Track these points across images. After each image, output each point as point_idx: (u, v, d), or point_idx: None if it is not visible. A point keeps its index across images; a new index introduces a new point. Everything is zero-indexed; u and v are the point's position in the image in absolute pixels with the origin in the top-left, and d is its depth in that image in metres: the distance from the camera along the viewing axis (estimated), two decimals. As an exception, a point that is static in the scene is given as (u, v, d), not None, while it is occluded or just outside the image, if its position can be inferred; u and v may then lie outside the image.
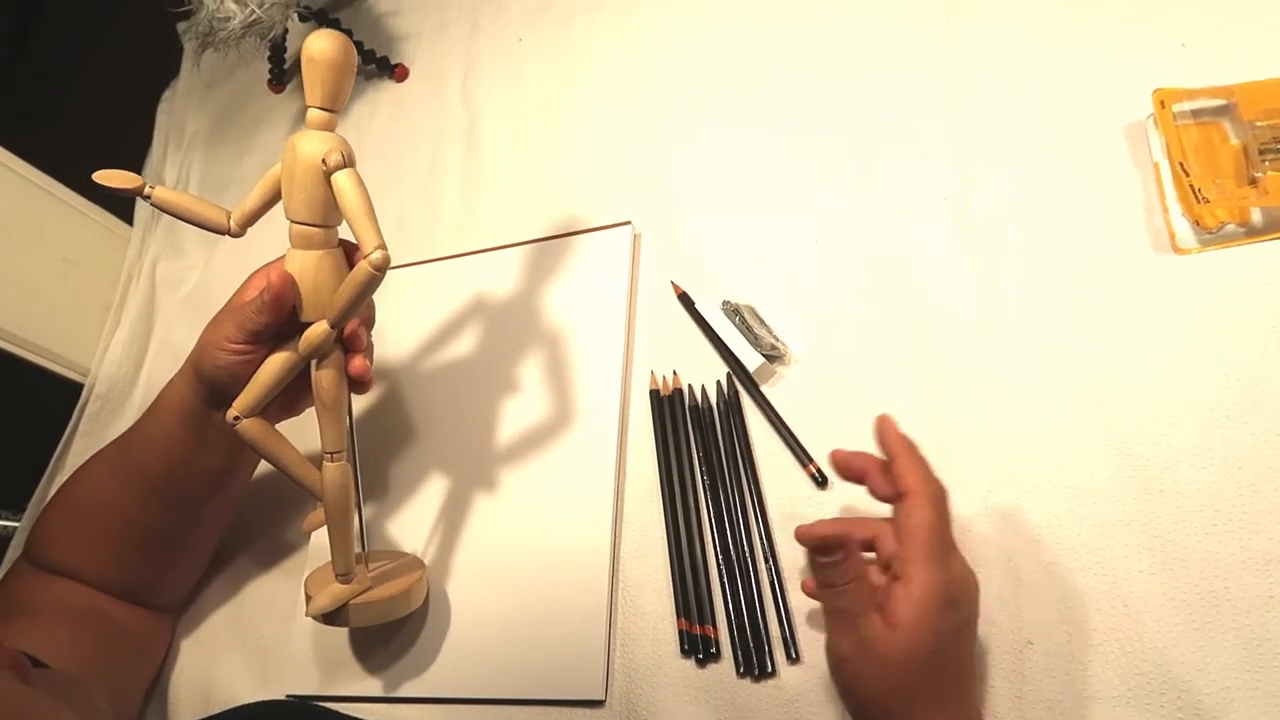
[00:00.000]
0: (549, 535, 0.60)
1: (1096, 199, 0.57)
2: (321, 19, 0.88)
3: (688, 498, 0.58)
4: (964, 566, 0.45)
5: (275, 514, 0.70)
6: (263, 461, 0.64)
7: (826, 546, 0.43)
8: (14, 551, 0.78)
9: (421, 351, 0.71)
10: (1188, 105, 0.55)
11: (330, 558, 0.54)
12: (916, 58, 0.66)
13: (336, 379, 0.52)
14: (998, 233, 0.59)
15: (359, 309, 0.49)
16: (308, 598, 0.55)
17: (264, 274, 0.55)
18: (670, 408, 0.61)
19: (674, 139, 0.72)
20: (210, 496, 0.62)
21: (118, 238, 0.91)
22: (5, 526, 0.84)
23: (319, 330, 0.50)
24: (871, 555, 0.49)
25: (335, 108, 0.49)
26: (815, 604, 0.53)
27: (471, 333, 0.70)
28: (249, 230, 0.54)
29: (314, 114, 0.49)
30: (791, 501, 0.56)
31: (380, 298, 0.52)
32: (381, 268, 0.45)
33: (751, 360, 0.59)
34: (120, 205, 0.91)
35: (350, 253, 0.53)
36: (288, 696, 0.63)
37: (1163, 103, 0.55)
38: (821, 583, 0.44)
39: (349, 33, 0.81)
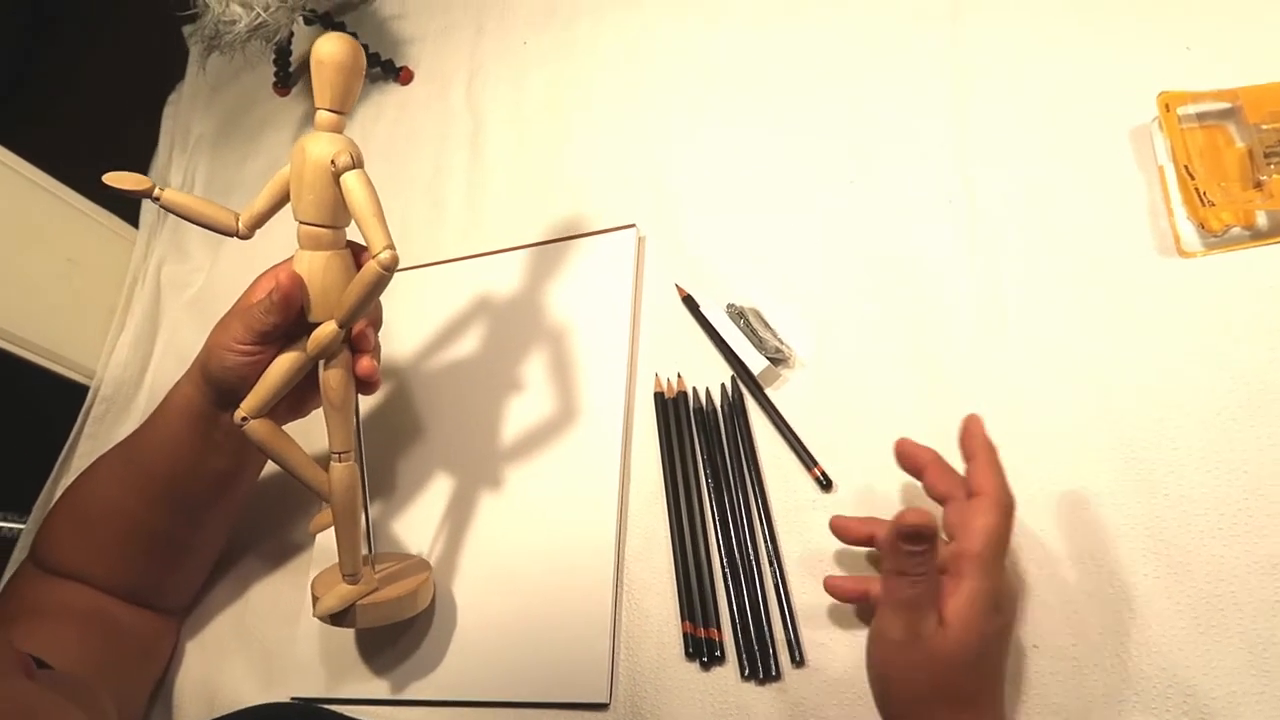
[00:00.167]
0: (553, 537, 0.60)
1: (1101, 202, 0.57)
2: (327, 22, 0.88)
3: (692, 500, 0.58)
4: (1009, 578, 0.46)
5: (280, 516, 0.70)
6: (268, 463, 0.65)
7: (921, 535, 0.42)
8: (19, 554, 0.78)
9: (427, 354, 0.71)
10: (1192, 108, 0.55)
11: (337, 559, 0.55)
12: (921, 59, 0.66)
13: (344, 379, 0.52)
14: (1002, 235, 0.59)
15: (367, 309, 0.49)
16: (314, 599, 0.55)
17: (272, 275, 0.55)
18: (675, 410, 0.61)
19: (678, 141, 0.72)
20: (217, 498, 0.62)
21: (123, 240, 0.91)
22: (11, 529, 0.84)
23: (327, 330, 0.50)
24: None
25: (344, 110, 0.50)
26: (819, 607, 0.53)
27: (477, 335, 0.70)
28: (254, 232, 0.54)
29: (323, 116, 0.49)
30: (796, 504, 0.56)
31: (385, 300, 0.52)
32: (390, 268, 0.45)
33: (756, 363, 0.59)
34: (125, 207, 0.91)
35: (358, 254, 0.53)
36: (293, 699, 0.63)
37: (1168, 106, 0.55)
38: (896, 570, 0.43)
39: (354, 36, 0.81)
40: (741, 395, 0.60)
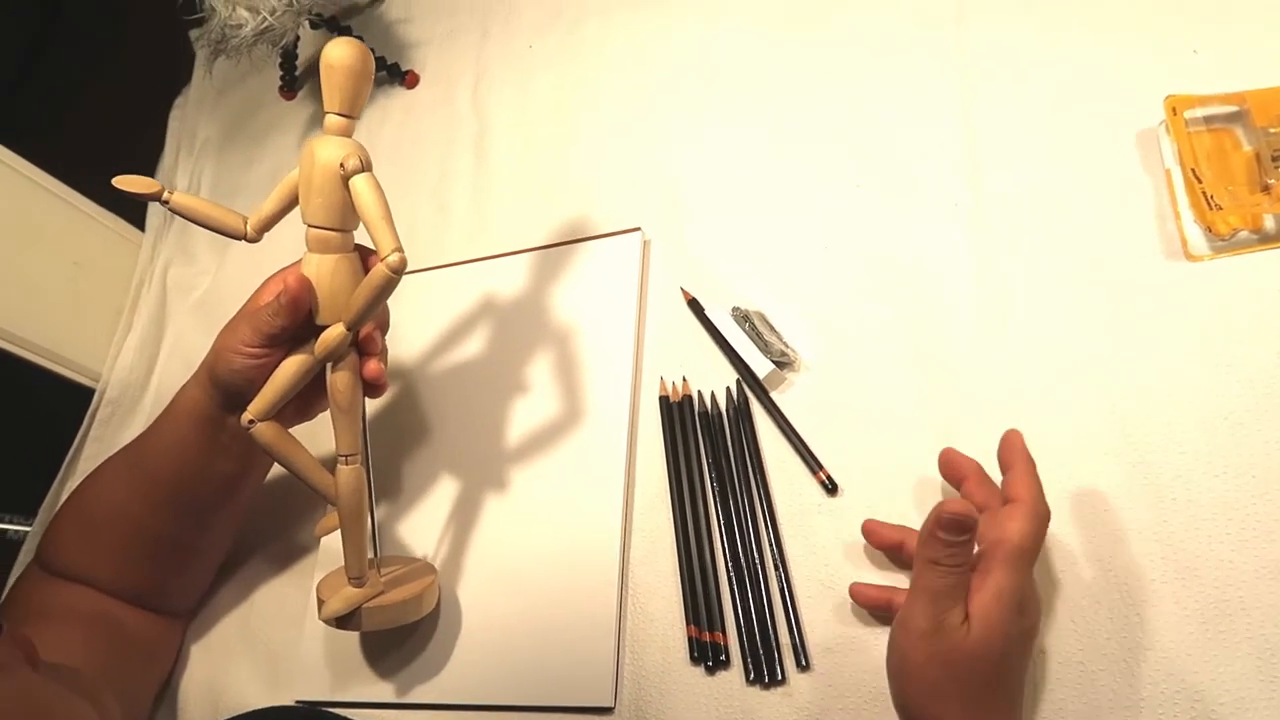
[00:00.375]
0: (558, 541, 0.60)
1: (1108, 206, 0.57)
2: (333, 26, 0.88)
3: (697, 504, 0.58)
4: (1034, 585, 0.46)
5: (285, 518, 0.70)
6: (274, 466, 0.65)
7: (964, 525, 0.43)
8: (25, 556, 0.78)
9: (433, 357, 0.71)
10: (1200, 111, 0.55)
11: (342, 562, 0.55)
12: (926, 62, 0.66)
13: (352, 382, 0.52)
14: (1008, 239, 0.59)
15: (375, 312, 0.49)
16: (320, 602, 0.55)
17: (280, 278, 0.55)
18: (680, 414, 0.61)
19: (683, 145, 0.72)
20: (223, 501, 0.62)
21: (129, 243, 0.91)
22: (17, 531, 0.84)
23: (335, 333, 0.50)
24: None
25: (353, 114, 0.50)
26: (825, 611, 0.53)
27: (482, 338, 0.70)
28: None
29: (332, 120, 0.49)
30: (801, 508, 0.56)
31: (392, 303, 0.52)
32: (399, 270, 0.46)
33: (761, 367, 0.59)
34: (132, 210, 0.92)
35: (366, 257, 0.53)
36: (297, 702, 0.63)
37: (1174, 109, 0.55)
38: (930, 559, 0.44)
39: (360, 40, 0.81)
40: (747, 399, 0.60)
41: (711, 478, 0.59)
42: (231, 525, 0.66)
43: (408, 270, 0.46)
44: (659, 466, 0.61)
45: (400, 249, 0.46)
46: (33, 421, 0.91)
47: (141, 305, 0.89)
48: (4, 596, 0.65)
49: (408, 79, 0.88)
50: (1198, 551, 0.48)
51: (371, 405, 0.69)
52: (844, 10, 0.71)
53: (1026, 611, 0.44)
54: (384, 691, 0.60)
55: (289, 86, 0.94)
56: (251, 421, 0.52)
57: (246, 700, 0.64)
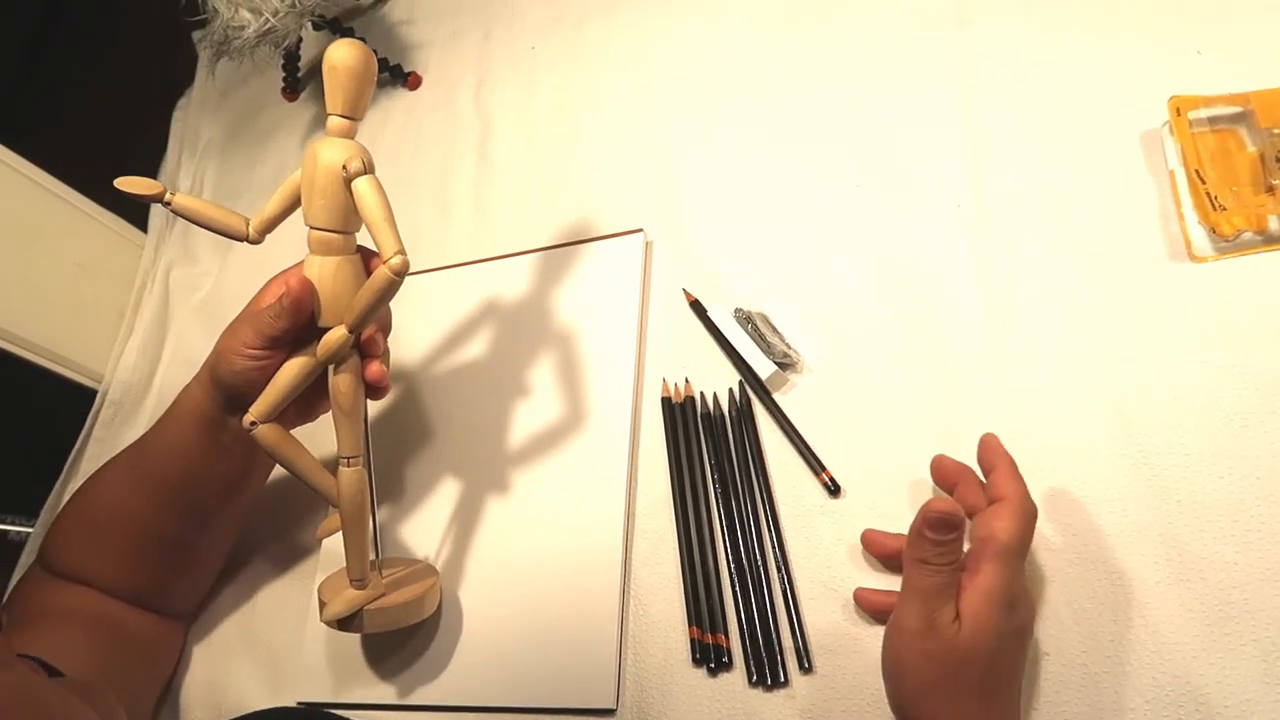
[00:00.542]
0: (560, 542, 0.60)
1: (1112, 207, 0.57)
2: (335, 28, 0.88)
3: (699, 505, 0.58)
4: (1025, 583, 0.46)
5: (286, 520, 0.70)
6: (275, 467, 0.65)
7: (950, 523, 0.43)
8: (28, 557, 0.78)
9: (435, 358, 0.71)
10: (1204, 112, 0.55)
11: (344, 564, 0.54)
12: (929, 65, 0.66)
13: (354, 384, 0.52)
14: (1012, 241, 0.59)
15: (378, 314, 0.49)
16: (322, 604, 0.55)
17: (282, 279, 0.55)
18: (682, 415, 0.61)
19: (686, 146, 0.72)
20: (225, 503, 0.62)
21: (132, 244, 0.91)
22: (19, 532, 0.84)
23: (337, 335, 0.50)
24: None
25: (356, 115, 0.50)
26: (827, 613, 0.53)
27: (484, 340, 0.70)
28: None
29: (334, 121, 0.49)
30: (804, 510, 0.56)
31: (394, 305, 0.52)
32: (401, 273, 0.46)
33: (764, 368, 0.59)
34: (134, 212, 0.92)
35: (368, 259, 0.53)
36: (299, 703, 0.63)
37: (1178, 110, 0.55)
38: (919, 558, 0.44)
39: (363, 41, 0.81)
40: (749, 400, 0.60)
41: (714, 479, 0.59)
42: (233, 526, 0.66)
43: (410, 272, 0.46)
44: (661, 468, 0.61)
45: (403, 251, 0.46)
46: (35, 422, 0.91)
47: (144, 306, 0.89)
48: (6, 597, 0.65)
49: (410, 80, 0.88)
50: (1202, 553, 0.48)
51: (373, 407, 0.69)
52: (846, 11, 0.71)
53: (1018, 609, 0.44)
54: (386, 693, 0.60)
55: (291, 88, 0.94)
56: (253, 423, 0.52)
57: (248, 702, 0.64)
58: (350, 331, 0.50)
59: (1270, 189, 0.53)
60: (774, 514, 0.56)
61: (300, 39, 0.88)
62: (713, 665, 0.54)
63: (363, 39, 0.84)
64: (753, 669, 0.53)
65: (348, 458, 0.53)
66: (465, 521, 0.64)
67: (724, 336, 0.61)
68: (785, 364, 0.60)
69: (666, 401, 0.62)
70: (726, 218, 0.68)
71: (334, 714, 0.59)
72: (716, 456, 0.59)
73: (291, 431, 0.55)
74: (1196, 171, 0.54)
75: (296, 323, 0.52)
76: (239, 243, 0.53)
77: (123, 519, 0.61)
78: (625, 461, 0.61)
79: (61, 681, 0.50)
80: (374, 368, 0.53)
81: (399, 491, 0.67)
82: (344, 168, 0.48)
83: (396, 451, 0.68)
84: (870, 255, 0.62)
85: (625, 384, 0.63)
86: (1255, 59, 0.57)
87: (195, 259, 0.90)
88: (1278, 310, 0.51)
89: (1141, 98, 0.58)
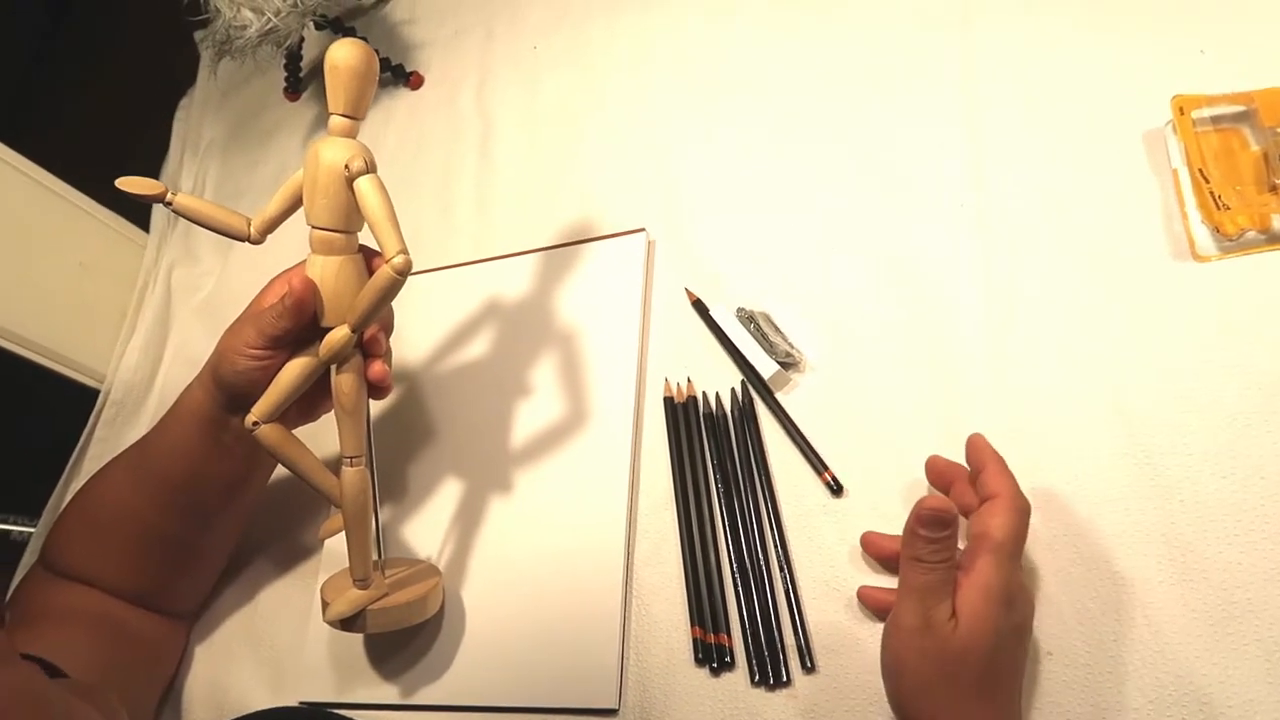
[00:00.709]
0: (563, 542, 0.60)
1: (1115, 206, 0.57)
2: (337, 27, 0.88)
3: (702, 505, 0.58)
4: (1023, 580, 0.46)
5: (288, 520, 0.70)
6: (278, 467, 0.65)
7: (943, 519, 0.43)
8: (30, 557, 0.78)
9: (437, 358, 0.71)
10: (1207, 111, 0.55)
11: (346, 563, 0.54)
12: (932, 64, 0.66)
13: (356, 384, 0.52)
14: (1015, 240, 0.58)
15: (380, 313, 0.49)
16: (324, 604, 0.55)
17: (284, 279, 0.55)
18: (684, 415, 0.61)
19: (689, 146, 0.72)
20: (227, 502, 0.62)
21: (134, 244, 0.91)
22: (21, 532, 0.84)
23: (340, 335, 0.50)
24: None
25: (357, 115, 0.50)
26: (830, 613, 0.53)
27: (486, 339, 0.70)
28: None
29: (336, 121, 0.49)
30: (806, 509, 0.56)
31: (396, 304, 0.52)
32: (404, 272, 0.45)
33: (766, 367, 0.59)
34: (137, 212, 0.92)
35: (370, 258, 0.53)
36: (301, 703, 0.63)
37: (1181, 109, 0.55)
38: (913, 556, 0.44)
39: (365, 41, 0.81)
40: (752, 400, 0.60)
41: (716, 479, 0.59)
42: (235, 526, 0.66)
43: (412, 271, 0.46)
44: (663, 468, 0.60)
45: (405, 250, 0.46)
46: (37, 422, 0.91)
47: (146, 306, 0.89)
48: (9, 597, 0.65)
49: (412, 80, 0.88)
50: (1205, 553, 0.48)
51: (376, 407, 0.69)
52: (850, 11, 0.71)
53: (1016, 607, 0.44)
54: (388, 693, 0.60)
55: (294, 88, 0.94)
56: (256, 423, 0.52)
57: (251, 701, 0.64)
58: (353, 331, 0.50)
59: (1274, 188, 0.53)
60: (776, 514, 0.56)
61: (302, 39, 0.88)
62: (715, 665, 0.54)
63: (364, 38, 0.83)
64: (755, 669, 0.53)
65: (350, 457, 0.52)
66: (467, 521, 0.64)
67: (726, 336, 0.61)
68: (788, 363, 0.60)
69: (669, 401, 0.62)
70: (729, 217, 0.68)
71: (336, 714, 0.59)
72: (719, 456, 0.59)
73: (293, 431, 0.55)
74: (1200, 171, 0.54)
75: (299, 323, 0.52)
76: (240, 243, 0.53)
77: (125, 519, 0.62)
78: (627, 461, 0.61)
79: (64, 682, 0.50)
80: (376, 367, 0.53)
81: (401, 491, 0.67)
82: (346, 167, 0.48)
83: (399, 451, 0.68)
84: (873, 255, 0.62)
85: (627, 383, 0.63)
86: (1259, 58, 0.56)
87: (197, 259, 0.91)
88: (1281, 309, 0.51)
89: (1144, 97, 0.58)
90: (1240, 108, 0.55)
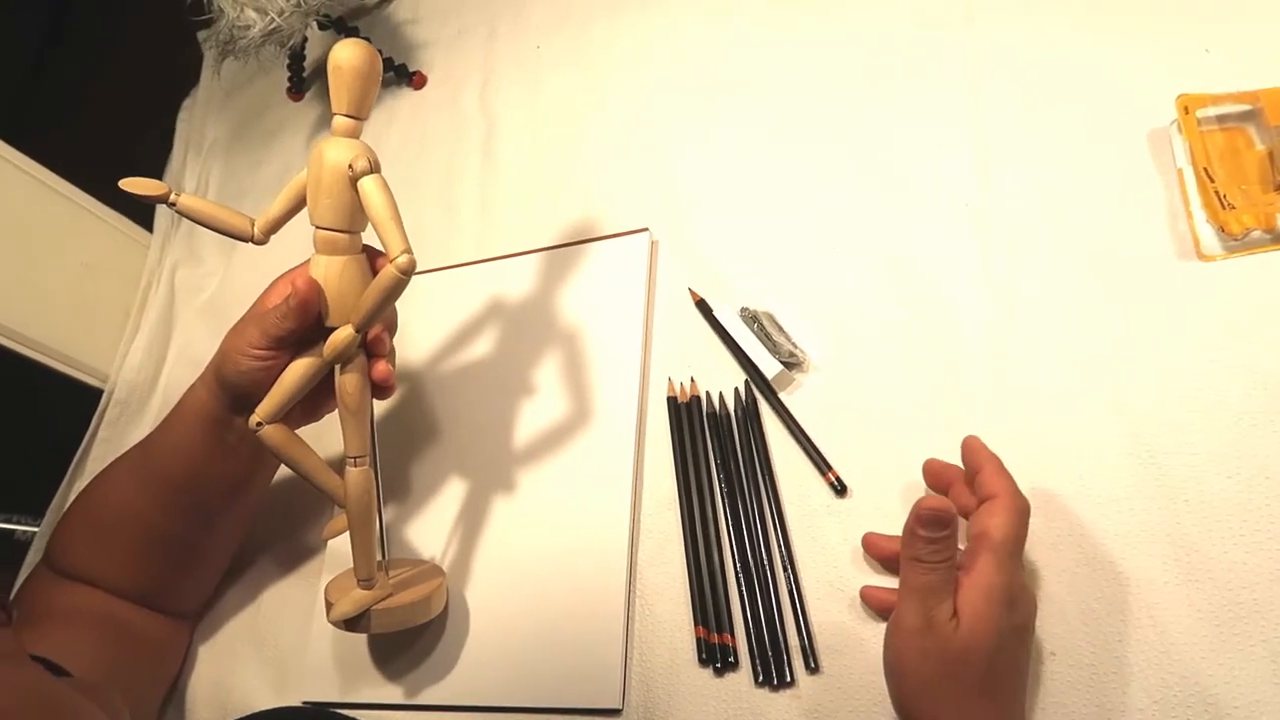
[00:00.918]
0: (566, 542, 0.60)
1: (1119, 205, 0.57)
2: (340, 27, 0.88)
3: (705, 505, 0.58)
4: (1024, 580, 0.46)
5: (292, 520, 0.70)
6: (281, 467, 0.65)
7: (942, 519, 0.43)
8: (34, 556, 0.78)
9: (440, 358, 0.71)
10: (1212, 110, 0.55)
11: (350, 564, 0.54)
12: (937, 65, 0.66)
13: (360, 384, 0.52)
14: (1019, 239, 0.58)
15: (384, 313, 0.49)
16: (328, 604, 0.55)
17: (288, 279, 0.55)
18: (688, 415, 0.61)
19: (691, 145, 0.72)
20: (230, 503, 0.62)
21: (137, 244, 0.91)
22: (25, 532, 0.84)
23: (344, 335, 0.50)
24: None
25: (361, 115, 0.50)
26: (834, 613, 0.53)
27: (489, 339, 0.70)
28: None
29: (340, 121, 0.49)
30: (810, 509, 0.56)
31: (400, 304, 0.52)
32: (408, 272, 0.45)
33: (770, 367, 0.59)
34: (140, 212, 0.92)
35: (373, 258, 0.53)
36: (305, 703, 0.63)
37: (1186, 108, 0.55)
38: (913, 557, 0.44)
39: (368, 41, 0.82)
40: (755, 399, 0.60)
41: (720, 479, 0.59)
42: (239, 526, 0.66)
43: (415, 272, 0.46)
44: (667, 467, 0.60)
45: (409, 250, 0.46)
46: (41, 422, 0.91)
47: (149, 306, 0.89)
48: (12, 597, 0.65)
49: (415, 80, 0.88)
50: (1210, 553, 0.48)
51: (379, 407, 0.69)
52: (853, 9, 0.71)
53: (1017, 606, 0.44)
54: (392, 693, 0.60)
55: (297, 88, 0.94)
56: (259, 424, 0.52)
57: (254, 701, 0.64)
58: (356, 331, 0.50)
59: (1279, 187, 0.53)
60: (780, 514, 0.56)
61: (305, 38, 0.88)
62: (719, 665, 0.54)
63: (367, 38, 0.83)
64: (759, 669, 0.53)
65: (354, 458, 0.52)
66: (471, 521, 0.64)
67: (730, 336, 0.61)
68: (791, 363, 0.60)
69: (672, 401, 0.62)
70: (732, 217, 0.68)
71: (340, 714, 0.59)
72: (722, 456, 0.59)
73: (297, 431, 0.55)
74: (1205, 170, 0.54)
75: (303, 323, 0.52)
76: (244, 243, 0.53)
77: (128, 519, 0.62)
78: (631, 461, 0.61)
79: (68, 681, 0.51)
80: (380, 367, 0.53)
81: (405, 491, 0.67)
82: (350, 167, 0.48)
83: (403, 451, 0.68)
84: (876, 255, 0.62)
85: (631, 383, 0.63)
86: (1264, 57, 0.56)
87: (200, 259, 0.91)
88: (1286, 309, 0.51)
89: (1149, 96, 0.58)
90: (1245, 107, 0.55)
